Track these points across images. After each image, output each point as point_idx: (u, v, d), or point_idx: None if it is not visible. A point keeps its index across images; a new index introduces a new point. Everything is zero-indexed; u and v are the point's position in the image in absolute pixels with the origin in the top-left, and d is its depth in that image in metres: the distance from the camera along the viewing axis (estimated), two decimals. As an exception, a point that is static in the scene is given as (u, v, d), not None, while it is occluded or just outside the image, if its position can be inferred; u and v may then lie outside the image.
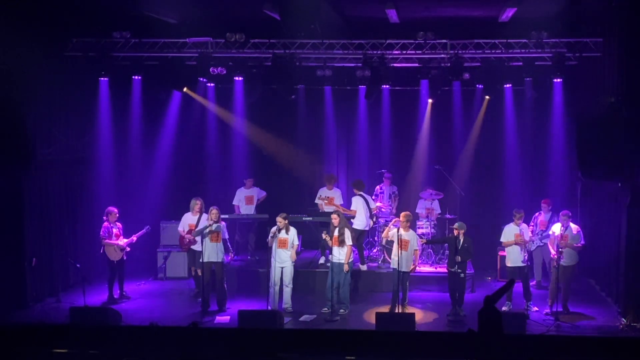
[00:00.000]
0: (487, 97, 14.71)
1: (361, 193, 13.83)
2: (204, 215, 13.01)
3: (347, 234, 12.09)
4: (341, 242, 11.97)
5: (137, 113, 15.10)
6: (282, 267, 12.18)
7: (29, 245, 12.60)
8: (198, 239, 12.83)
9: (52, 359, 8.41)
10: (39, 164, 12.62)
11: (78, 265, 12.62)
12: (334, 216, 12.17)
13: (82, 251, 13.40)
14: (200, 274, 12.65)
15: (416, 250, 12.23)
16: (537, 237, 13.31)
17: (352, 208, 13.62)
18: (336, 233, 11.99)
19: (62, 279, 12.70)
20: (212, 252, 12.19)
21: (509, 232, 12.32)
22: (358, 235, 13.32)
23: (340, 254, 12.00)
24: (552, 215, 13.18)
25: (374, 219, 14.04)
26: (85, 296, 12.03)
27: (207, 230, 12.13)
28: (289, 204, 15.02)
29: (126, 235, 13.11)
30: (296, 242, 12.31)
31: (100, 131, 14.40)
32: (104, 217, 12.93)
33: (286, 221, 12.12)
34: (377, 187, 14.91)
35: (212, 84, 15.38)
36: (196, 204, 13.15)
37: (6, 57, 11.42)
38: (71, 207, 13.79)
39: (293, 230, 12.23)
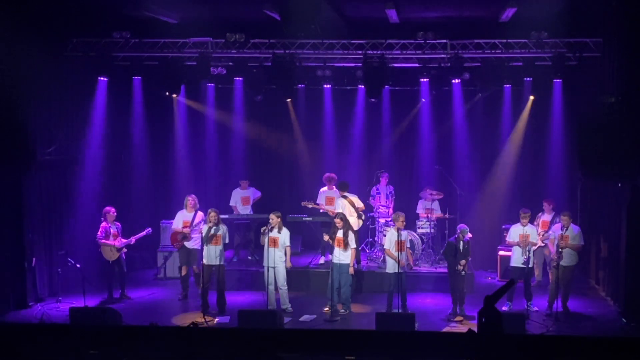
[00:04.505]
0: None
1: (345, 194, 13.81)
2: (199, 213, 13.06)
3: (352, 237, 12.11)
4: (346, 245, 11.98)
5: (137, 113, 15.11)
6: (273, 268, 12.11)
7: (29, 245, 12.60)
8: (193, 236, 13.02)
9: (52, 359, 8.41)
10: (39, 164, 12.62)
11: (78, 266, 12.62)
12: (337, 220, 12.15)
13: (82, 251, 13.39)
14: (190, 272, 13.06)
15: (408, 249, 12.34)
16: (538, 237, 13.30)
17: (337, 210, 13.54)
18: (340, 235, 11.99)
19: (62, 279, 12.69)
20: (212, 255, 12.16)
21: (514, 232, 12.32)
22: None
23: (342, 256, 12.00)
24: (555, 215, 13.15)
25: (363, 218, 14.01)
26: (85, 296, 12.03)
27: (210, 234, 12.12)
28: (289, 204, 15.07)
29: (125, 235, 13.13)
30: (287, 243, 12.17)
31: (100, 131, 14.37)
32: (102, 218, 12.98)
33: (279, 219, 12.11)
34: (374, 188, 14.84)
35: (212, 84, 15.37)
36: (188, 200, 13.20)
37: (6, 57, 11.42)
38: (71, 207, 13.78)
39: (286, 231, 12.17)
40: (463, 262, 11.84)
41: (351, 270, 12.02)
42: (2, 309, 12.12)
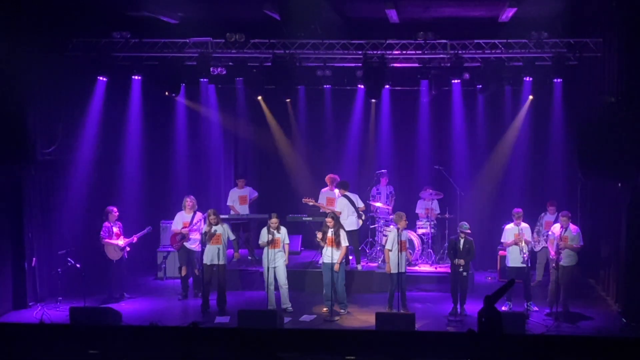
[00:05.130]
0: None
1: (346, 193, 13.81)
2: (198, 213, 13.07)
3: (343, 235, 12.09)
4: (337, 243, 11.98)
5: (137, 113, 15.09)
6: (273, 268, 12.15)
7: (29, 245, 12.60)
8: (191, 236, 13.04)
9: (52, 359, 8.41)
10: (39, 163, 12.64)
11: (78, 266, 12.62)
12: (328, 219, 12.16)
13: (82, 251, 13.39)
14: (190, 273, 13.03)
15: (407, 249, 12.35)
16: (542, 237, 13.30)
17: (337, 210, 13.54)
18: (331, 234, 11.99)
19: (62, 279, 12.69)
20: (213, 254, 12.17)
21: (509, 232, 12.33)
22: (351, 236, 13.25)
23: (335, 254, 11.98)
24: (558, 216, 13.13)
25: (363, 217, 14.00)
26: (85, 296, 12.03)
27: (209, 234, 12.13)
28: (289, 204, 15.05)
29: (126, 234, 13.14)
30: (287, 241, 12.30)
31: (100, 131, 14.36)
32: (104, 217, 12.98)
33: (278, 220, 12.15)
34: (374, 188, 14.84)
35: (212, 84, 15.38)
36: (187, 201, 13.21)
37: (6, 57, 11.43)
38: (71, 206, 13.77)
39: (284, 230, 12.25)
40: (462, 261, 11.82)
41: (336, 267, 11.94)
42: (2, 309, 12.12)
